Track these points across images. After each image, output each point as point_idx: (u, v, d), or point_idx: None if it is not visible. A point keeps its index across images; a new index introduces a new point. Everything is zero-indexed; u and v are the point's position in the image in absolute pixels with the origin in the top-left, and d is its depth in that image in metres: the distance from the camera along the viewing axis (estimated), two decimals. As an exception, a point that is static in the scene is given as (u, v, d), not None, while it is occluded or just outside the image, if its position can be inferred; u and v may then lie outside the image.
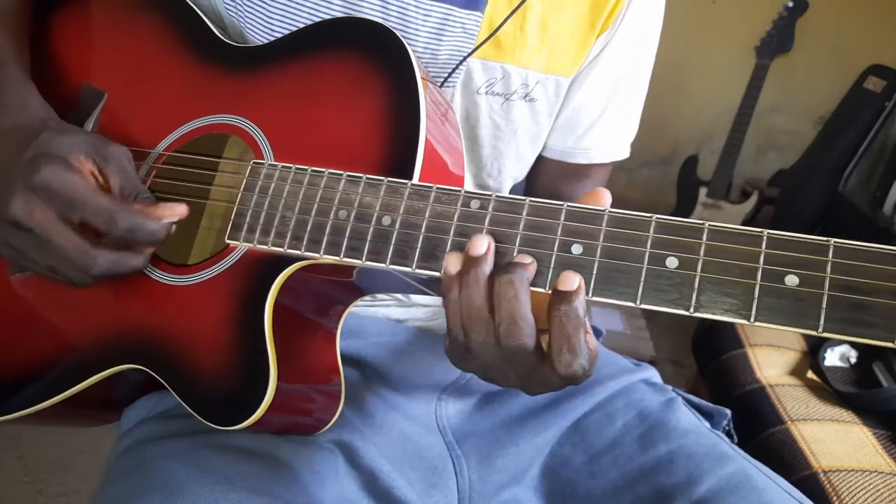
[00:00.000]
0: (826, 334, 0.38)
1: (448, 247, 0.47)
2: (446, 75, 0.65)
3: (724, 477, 0.60)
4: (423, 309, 0.76)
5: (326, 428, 0.61)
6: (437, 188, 0.48)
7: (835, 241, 0.39)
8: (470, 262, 0.44)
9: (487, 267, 0.44)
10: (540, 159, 0.77)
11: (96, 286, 0.57)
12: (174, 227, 0.56)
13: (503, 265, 0.45)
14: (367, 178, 0.50)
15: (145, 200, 0.56)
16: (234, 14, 0.65)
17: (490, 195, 0.47)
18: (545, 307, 0.44)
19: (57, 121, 0.59)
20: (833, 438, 1.05)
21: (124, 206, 0.53)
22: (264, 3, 0.62)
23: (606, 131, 0.75)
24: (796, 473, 0.99)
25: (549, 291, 0.44)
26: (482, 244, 0.45)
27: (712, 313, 0.41)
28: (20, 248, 0.54)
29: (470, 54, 0.64)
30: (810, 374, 1.22)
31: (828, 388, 1.18)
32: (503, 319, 0.43)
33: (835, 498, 0.93)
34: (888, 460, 1.00)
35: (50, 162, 0.52)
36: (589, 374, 0.44)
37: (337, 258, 0.50)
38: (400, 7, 0.62)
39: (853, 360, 1.25)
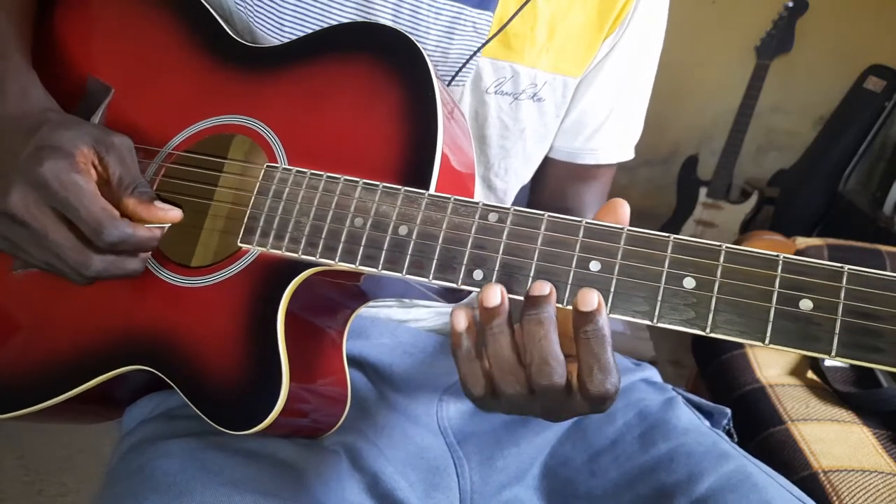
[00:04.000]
0: (838, 359, 0.39)
1: (465, 259, 0.47)
2: (454, 73, 0.65)
3: (725, 475, 0.60)
4: (424, 310, 0.76)
5: (332, 431, 0.61)
6: (455, 199, 0.48)
7: (849, 268, 0.40)
8: (490, 315, 0.44)
9: (506, 315, 0.44)
10: (546, 161, 0.77)
11: (104, 286, 0.57)
12: (164, 231, 0.55)
13: (525, 299, 0.44)
14: (384, 187, 0.50)
15: (142, 194, 0.55)
16: (244, 12, 0.64)
17: (508, 209, 0.47)
18: (569, 326, 0.44)
19: (58, 111, 0.58)
20: (833, 438, 1.05)
21: (113, 218, 0.52)
22: (275, 1, 0.62)
23: (613, 132, 0.76)
24: (796, 473, 0.99)
25: (567, 307, 0.44)
26: (495, 294, 0.44)
27: (727, 334, 0.41)
28: (16, 240, 0.54)
29: (478, 51, 0.64)
30: (810, 374, 1.22)
31: (828, 388, 1.18)
32: (534, 360, 0.43)
33: (835, 498, 0.93)
34: (888, 460, 1.00)
35: (53, 156, 0.52)
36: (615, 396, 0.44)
37: (353, 266, 0.50)
38: (412, 6, 0.62)
39: (853, 360, 1.25)
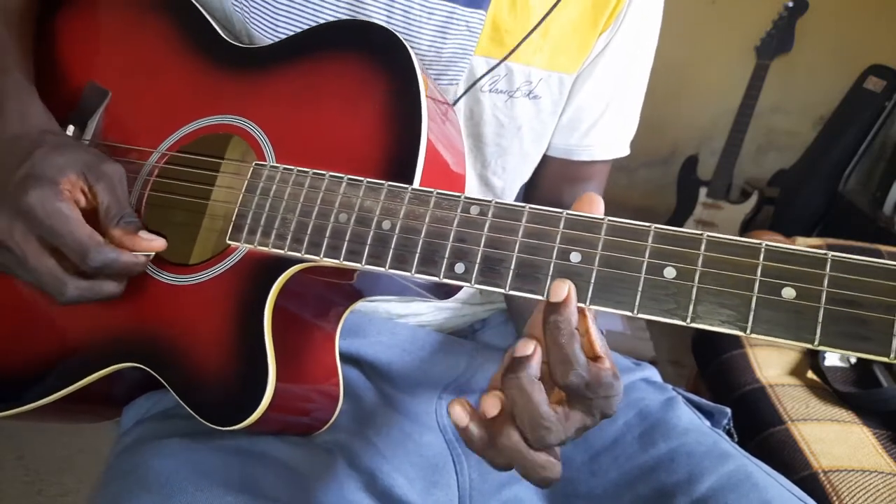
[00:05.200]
0: (822, 347, 0.38)
1: (447, 252, 0.47)
2: (451, 75, 0.65)
3: (725, 475, 0.60)
4: (423, 304, 0.76)
5: (325, 428, 0.61)
6: (438, 193, 0.48)
7: (832, 255, 0.39)
8: (491, 424, 0.44)
9: (510, 418, 0.43)
10: (542, 158, 0.77)
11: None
12: (150, 258, 0.57)
13: (507, 366, 0.43)
14: (368, 182, 0.50)
15: (128, 225, 0.56)
16: (240, 13, 0.65)
17: (490, 202, 0.47)
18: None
19: (55, 133, 0.59)
20: (833, 438, 1.05)
21: (99, 243, 0.53)
22: (269, 1, 0.63)
23: (609, 128, 0.76)
24: (796, 473, 0.99)
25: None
26: (495, 405, 0.43)
27: (709, 324, 0.41)
28: (3, 262, 0.55)
29: (470, 51, 0.64)
30: (810, 374, 1.22)
31: (828, 388, 1.17)
32: (525, 426, 0.42)
33: (835, 498, 0.93)
34: (888, 460, 1.00)
35: (39, 185, 0.53)
36: (603, 392, 0.43)
37: (337, 261, 0.50)
38: (404, 6, 0.62)
39: (853, 360, 1.25)
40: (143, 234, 0.56)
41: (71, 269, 0.54)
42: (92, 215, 0.55)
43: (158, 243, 0.57)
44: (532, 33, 0.66)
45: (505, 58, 0.65)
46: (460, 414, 0.44)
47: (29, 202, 0.52)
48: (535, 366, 0.43)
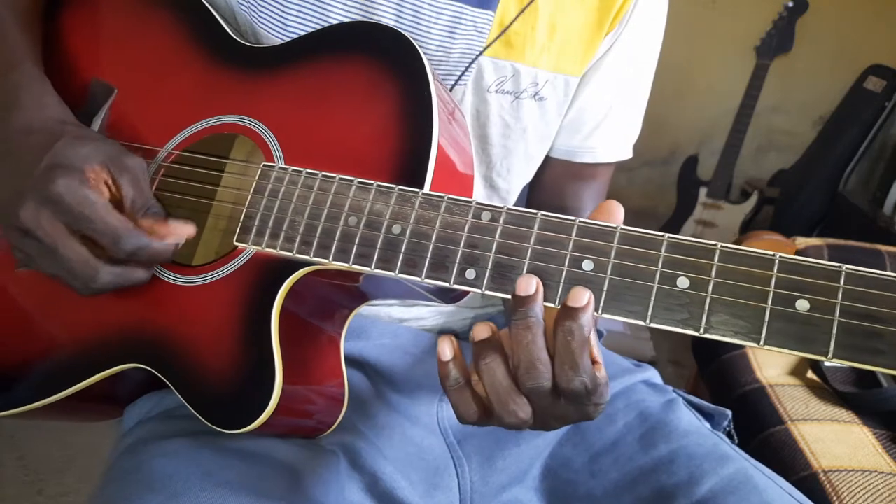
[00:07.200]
0: (836, 361, 0.38)
1: (458, 258, 0.47)
2: (458, 74, 0.65)
3: (725, 477, 0.60)
4: (425, 309, 0.76)
5: (330, 431, 0.61)
6: (449, 198, 0.48)
7: (847, 268, 0.39)
8: (481, 347, 0.44)
9: (498, 347, 0.44)
10: (545, 159, 0.77)
11: None
12: (180, 245, 0.56)
13: (513, 300, 0.44)
14: (378, 186, 0.50)
15: (155, 215, 0.56)
16: (247, 12, 0.65)
17: (501, 208, 0.46)
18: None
19: (74, 124, 0.59)
20: (833, 438, 1.05)
21: (130, 229, 0.53)
22: (279, 1, 0.63)
23: (612, 131, 0.76)
24: (796, 473, 0.99)
25: (559, 307, 0.44)
26: (485, 329, 0.44)
27: (722, 335, 0.40)
28: (29, 253, 0.55)
29: (480, 53, 0.64)
30: (810, 374, 1.22)
31: (828, 388, 1.18)
32: (521, 363, 0.43)
33: (835, 498, 0.93)
34: (888, 460, 1.00)
35: (66, 174, 0.53)
36: (596, 399, 0.44)
37: (346, 265, 0.50)
38: (414, 6, 0.63)
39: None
40: (173, 221, 0.56)
41: (102, 257, 0.53)
42: (115, 207, 0.55)
43: (190, 229, 0.56)
44: (538, 35, 0.66)
45: (490, 44, 0.65)
46: (445, 349, 0.45)
47: (57, 190, 0.52)
48: (539, 306, 0.44)
